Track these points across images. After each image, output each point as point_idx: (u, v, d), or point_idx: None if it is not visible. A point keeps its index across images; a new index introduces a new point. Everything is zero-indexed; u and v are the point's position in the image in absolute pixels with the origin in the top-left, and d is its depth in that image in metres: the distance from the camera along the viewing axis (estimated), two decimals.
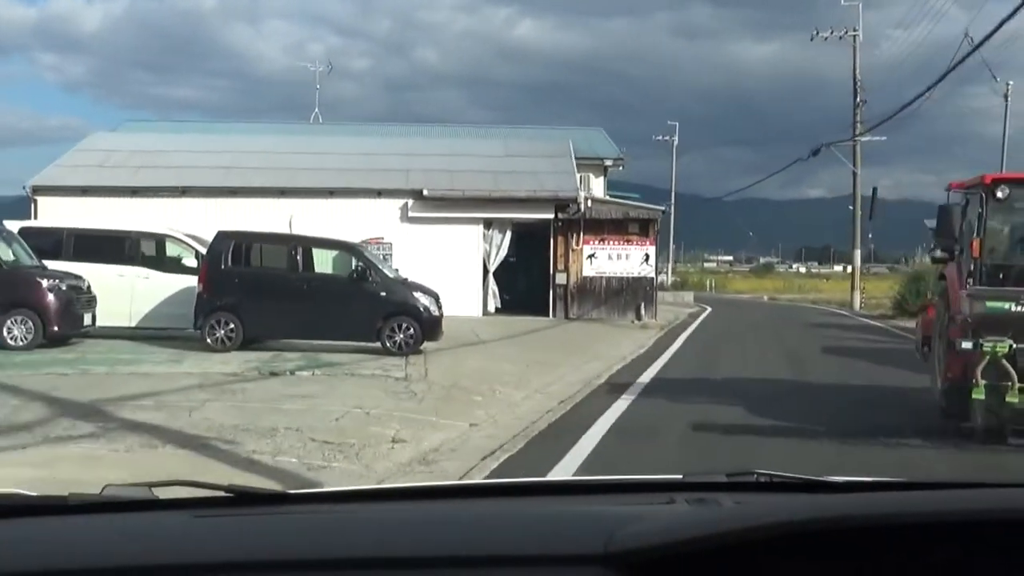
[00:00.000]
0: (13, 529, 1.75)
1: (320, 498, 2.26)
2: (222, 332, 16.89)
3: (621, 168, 36.50)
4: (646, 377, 15.69)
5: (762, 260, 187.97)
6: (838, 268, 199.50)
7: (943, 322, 11.63)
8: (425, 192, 28.72)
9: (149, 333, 18.42)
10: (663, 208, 30.14)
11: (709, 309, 41.45)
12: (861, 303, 42.76)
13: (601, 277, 29.73)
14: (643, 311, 29.58)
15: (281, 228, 23.96)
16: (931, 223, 12.03)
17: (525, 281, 32.97)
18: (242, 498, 1.99)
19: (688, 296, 45.35)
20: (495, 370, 15.32)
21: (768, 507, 1.73)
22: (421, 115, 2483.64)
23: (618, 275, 29.69)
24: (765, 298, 59.40)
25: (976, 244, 10.94)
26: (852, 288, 43.34)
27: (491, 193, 29.04)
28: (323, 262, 18.45)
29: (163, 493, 1.98)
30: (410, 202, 29.05)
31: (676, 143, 71.91)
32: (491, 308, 29.68)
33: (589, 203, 29.52)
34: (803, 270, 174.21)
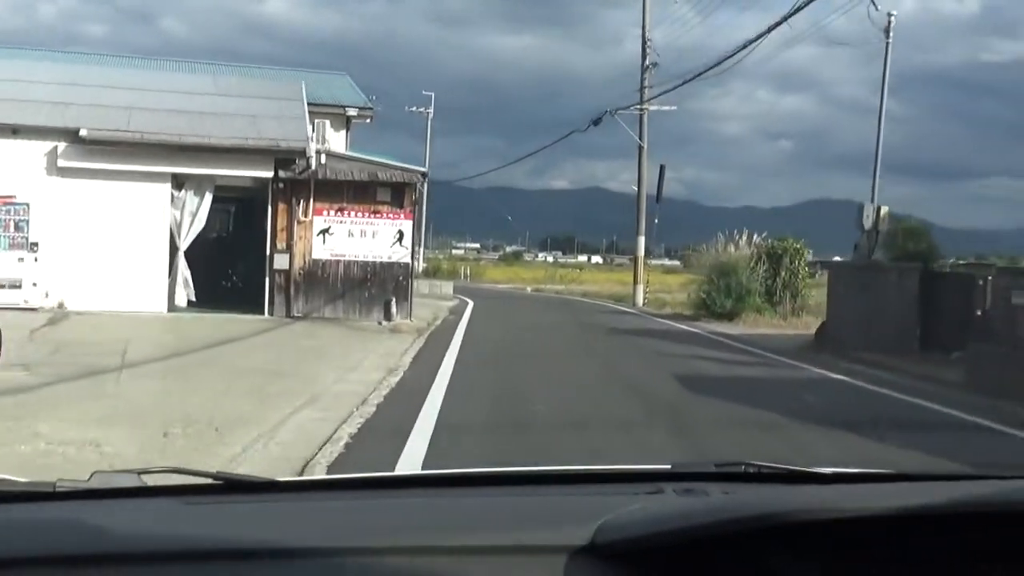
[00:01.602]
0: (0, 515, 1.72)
1: (310, 486, 2.33)
2: None
3: (369, 121, 28.26)
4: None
5: (510, 248, 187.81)
6: (582, 258, 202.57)
7: None
8: (84, 133, 19.59)
9: None
10: (423, 170, 22.21)
11: (472, 303, 34.03)
12: (645, 299, 36.51)
13: (338, 261, 21.51)
14: (394, 308, 21.59)
15: None
16: None
17: (234, 264, 24.20)
18: (232, 486, 1.99)
19: (446, 286, 37.66)
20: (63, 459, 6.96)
21: (756, 498, 1.75)
22: None
23: (362, 259, 21.59)
24: (528, 289, 52.54)
25: None
26: (635, 281, 36.98)
27: (183, 138, 20.20)
28: None
29: (152, 480, 1.95)
30: (62, 146, 19.85)
31: (431, 115, 64.18)
32: (181, 301, 20.85)
33: (323, 159, 21.19)
34: (551, 259, 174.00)
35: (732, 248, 28.43)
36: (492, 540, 1.60)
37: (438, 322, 23.72)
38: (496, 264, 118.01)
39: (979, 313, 13.31)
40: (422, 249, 69.83)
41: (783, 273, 28.02)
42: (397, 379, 12.84)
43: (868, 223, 18.27)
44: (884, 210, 18.59)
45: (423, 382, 12.29)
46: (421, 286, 36.69)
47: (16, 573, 1.49)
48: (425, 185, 62.03)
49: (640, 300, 36.25)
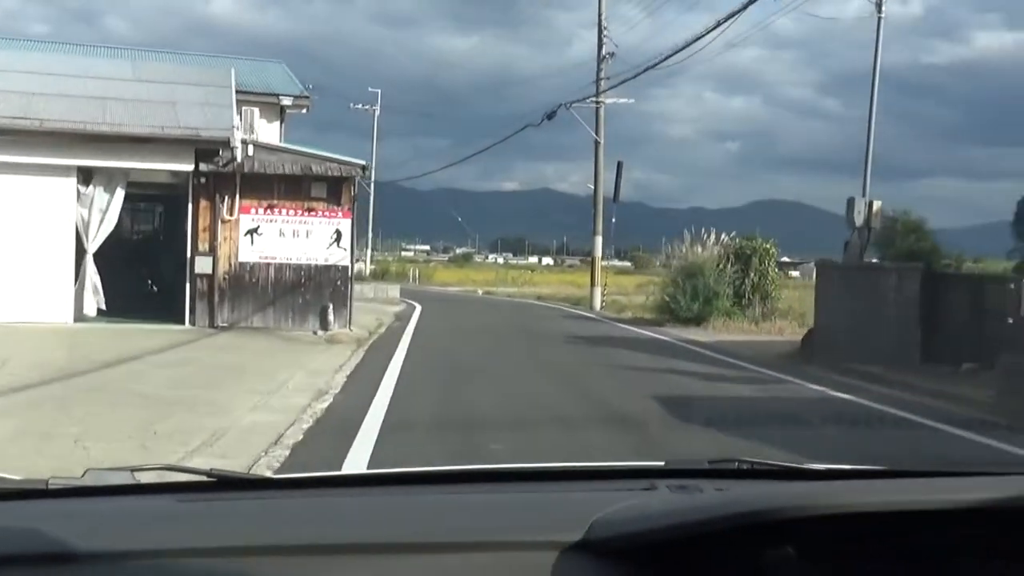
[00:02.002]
0: None
1: (303, 483, 2.19)
2: None
3: (306, 111, 25.91)
4: None
5: (460, 250, 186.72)
6: (533, 259, 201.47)
7: None
8: None
9: None
10: (363, 163, 19.93)
11: (419, 307, 31.86)
12: (603, 303, 34.52)
13: (268, 264, 19.22)
14: (332, 316, 19.33)
15: None
16: None
17: (153, 269, 21.83)
18: (225, 483, 1.99)
19: (393, 290, 35.34)
20: None
21: (750, 494, 1.72)
22: None
23: (295, 261, 19.30)
24: (479, 292, 50.27)
25: None
26: (592, 284, 34.95)
27: (89, 127, 17.77)
28: None
29: (145, 477, 1.94)
30: None
31: (378, 112, 61.78)
32: (90, 310, 18.40)
33: (251, 150, 18.88)
34: (501, 261, 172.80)
35: (698, 248, 26.47)
36: (486, 536, 1.58)
37: (381, 330, 21.50)
38: (446, 266, 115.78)
39: (1011, 321, 11.42)
40: (369, 251, 67.39)
41: (752, 274, 26.14)
42: (326, 405, 10.65)
43: (859, 219, 16.34)
44: (877, 205, 16.68)
45: (356, 410, 10.09)
46: (366, 290, 34.43)
47: (8, 571, 1.48)
48: (372, 185, 59.74)
49: (598, 303, 34.25)
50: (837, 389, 12.95)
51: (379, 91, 63.21)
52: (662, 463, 2.19)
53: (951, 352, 14.46)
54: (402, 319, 25.68)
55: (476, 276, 70.35)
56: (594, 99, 34.30)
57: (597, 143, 34.47)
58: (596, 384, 13.33)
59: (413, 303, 34.18)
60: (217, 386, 11.60)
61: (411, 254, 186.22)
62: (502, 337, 20.48)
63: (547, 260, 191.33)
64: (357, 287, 35.56)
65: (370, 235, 64.76)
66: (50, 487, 1.83)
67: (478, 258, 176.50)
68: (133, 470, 1.94)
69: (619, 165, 34.07)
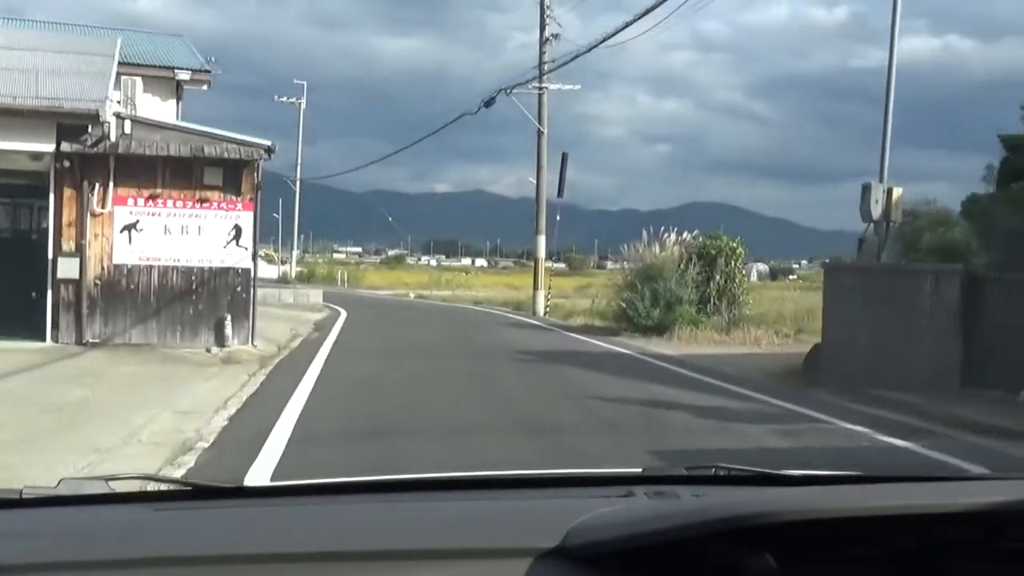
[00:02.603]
0: None
1: (278, 492, 2.20)
2: None
3: (207, 88, 22.19)
4: None
5: (392, 252, 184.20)
6: (466, 261, 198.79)
7: None
8: None
9: None
10: (268, 144, 16.33)
11: (344, 314, 28.37)
12: (547, 308, 31.30)
13: (151, 267, 15.64)
14: (230, 330, 15.79)
15: None
16: None
17: (8, 274, 18.05)
18: (201, 491, 1.97)
19: (315, 294, 31.58)
20: None
21: (727, 500, 1.77)
22: None
23: (184, 263, 15.75)
24: (411, 296, 46.60)
25: None
26: (535, 287, 31.69)
27: None
28: None
29: (121, 487, 1.94)
30: None
31: (303, 105, 57.85)
32: None
33: (128, 126, 15.29)
34: (434, 263, 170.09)
35: (656, 248, 23.35)
36: (463, 543, 1.58)
37: (294, 345, 18.02)
38: (377, 268, 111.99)
39: None
40: (295, 252, 63.40)
41: (718, 277, 23.11)
42: (182, 473, 7.21)
43: (877, 211, 13.23)
44: (897, 193, 13.57)
45: (227, 480, 6.67)
46: (285, 295, 30.83)
47: None
48: (297, 183, 55.81)
49: (542, 309, 31.02)
50: (880, 429, 9.76)
51: (304, 83, 59.27)
52: (639, 469, 2.24)
53: (1000, 374, 11.46)
54: (322, 329, 22.19)
55: (408, 279, 66.75)
56: (536, 84, 31.07)
57: (540, 133, 31.26)
58: (562, 423, 10.00)
59: (338, 309, 30.64)
60: (29, 442, 8.07)
61: (343, 256, 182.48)
62: (439, 354, 17.06)
63: (481, 262, 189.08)
64: (276, 292, 31.93)
65: (296, 236, 60.84)
66: (24, 496, 1.81)
67: (410, 260, 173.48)
68: (108, 479, 1.97)
69: (564, 158, 30.94)
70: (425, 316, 29.40)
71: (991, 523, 1.54)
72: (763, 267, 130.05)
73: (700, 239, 23.90)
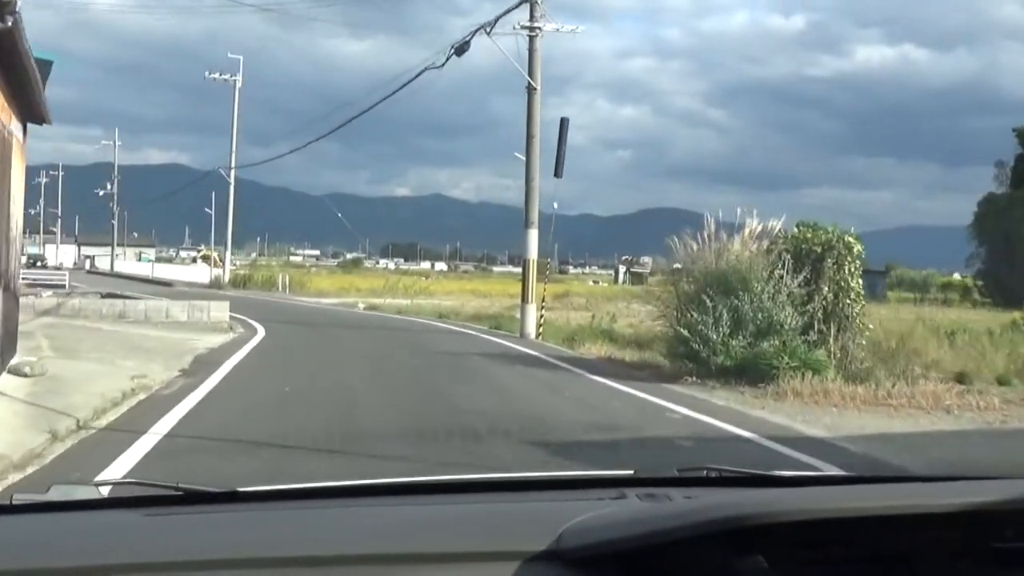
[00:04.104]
0: None
1: (269, 496, 2.10)
2: None
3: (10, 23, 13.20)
4: None
5: (350, 255, 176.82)
6: (425, 265, 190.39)
7: None
8: None
9: None
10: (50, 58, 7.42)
11: (258, 338, 19.63)
12: (540, 326, 22.53)
13: None
14: None
15: None
16: None
17: None
18: (192, 496, 1.93)
19: (219, 309, 22.29)
20: None
21: (718, 502, 1.74)
22: None
23: None
24: (361, 306, 37.35)
25: None
26: (524, 298, 22.84)
27: None
28: None
29: (111, 492, 1.91)
30: None
31: (239, 83, 48.66)
32: None
33: None
34: (392, 266, 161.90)
35: (735, 243, 14.66)
36: (456, 547, 1.55)
37: (103, 420, 9.17)
38: (332, 272, 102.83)
39: None
40: (228, 253, 54.02)
41: (825, 289, 14.52)
42: None
43: None
44: None
45: None
46: (175, 310, 21.78)
47: None
48: (231, 174, 46.73)
49: (533, 328, 22.25)
50: None
51: (240, 58, 50.13)
52: (631, 472, 2.18)
53: None
54: (198, 372, 13.25)
55: (362, 283, 57.59)
56: (527, 25, 22.34)
57: (532, 89, 22.50)
58: None
59: (255, 327, 21.75)
60: None
61: (299, 259, 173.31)
62: (390, 455, 8.17)
63: (441, 266, 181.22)
64: (164, 305, 23.00)
65: (230, 234, 51.31)
66: (14, 502, 1.79)
67: (368, 264, 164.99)
68: (98, 484, 1.96)
69: (563, 123, 22.21)
70: (373, 342, 20.43)
71: (981, 523, 1.54)
72: None
73: (797, 230, 15.20)
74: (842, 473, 2.25)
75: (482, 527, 1.68)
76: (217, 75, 49.39)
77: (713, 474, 2.16)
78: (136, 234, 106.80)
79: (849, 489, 1.91)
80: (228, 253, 51.73)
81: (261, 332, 21.09)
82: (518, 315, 23.04)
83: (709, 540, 1.45)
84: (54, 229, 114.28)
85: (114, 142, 74.58)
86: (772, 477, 2.15)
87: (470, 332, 23.22)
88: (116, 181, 74.11)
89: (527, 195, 22.60)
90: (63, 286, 45.83)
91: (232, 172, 49.01)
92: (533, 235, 22.65)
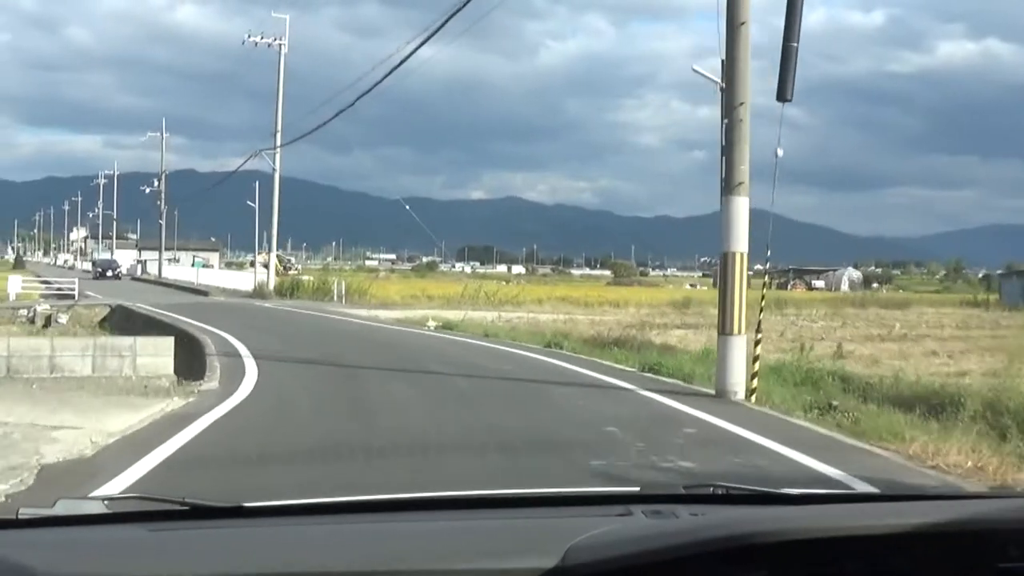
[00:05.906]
0: None
1: (275, 511, 2.06)
2: None
3: None
4: None
5: (425, 259, 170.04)
6: (501, 268, 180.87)
7: None
8: None
9: None
10: None
11: (224, 406, 9.52)
12: (754, 376, 11.81)
13: None
14: None
15: None
16: None
17: None
18: (197, 511, 1.89)
19: (163, 347, 11.90)
20: None
21: (724, 519, 1.70)
22: (74, 99, 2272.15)
23: None
24: (431, 325, 26.68)
25: None
26: (725, 325, 12.11)
27: None
28: None
29: (117, 506, 1.86)
30: None
31: (285, 49, 38.80)
32: None
33: None
34: (468, 270, 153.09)
35: None
36: (463, 563, 1.51)
37: None
38: (404, 276, 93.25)
39: None
40: (272, 257, 44.01)
41: None
42: None
43: None
44: None
45: None
46: (78, 366, 11.65)
47: None
48: (276, 159, 37.13)
49: (741, 380, 11.63)
50: None
51: (286, 17, 40.32)
52: (637, 488, 2.17)
53: None
54: None
55: (434, 289, 47.47)
56: None
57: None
58: None
59: (245, 368, 11.86)
60: None
61: (375, 263, 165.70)
62: None
63: (518, 268, 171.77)
64: (48, 349, 13.05)
65: (275, 234, 41.22)
66: (20, 516, 1.75)
67: (444, 267, 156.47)
68: (105, 499, 1.90)
69: (791, 50, 11.39)
70: (458, 421, 9.97)
71: (986, 542, 1.50)
72: (856, 274, 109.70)
73: None
74: (849, 492, 2.11)
75: (489, 544, 1.65)
76: (259, 38, 39.77)
77: (719, 491, 2.09)
78: (189, 238, 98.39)
79: (855, 507, 1.91)
80: (273, 256, 41.69)
81: (246, 384, 11.04)
82: (654, 338, 12.49)
83: (715, 557, 1.42)
84: (132, 235, 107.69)
85: (161, 133, 65.80)
86: (778, 495, 2.04)
87: (632, 388, 12.55)
88: (164, 178, 65.37)
89: (728, 136, 12.03)
90: (72, 295, 38.06)
91: (277, 154, 39.11)
92: (741, 208, 12.01)
